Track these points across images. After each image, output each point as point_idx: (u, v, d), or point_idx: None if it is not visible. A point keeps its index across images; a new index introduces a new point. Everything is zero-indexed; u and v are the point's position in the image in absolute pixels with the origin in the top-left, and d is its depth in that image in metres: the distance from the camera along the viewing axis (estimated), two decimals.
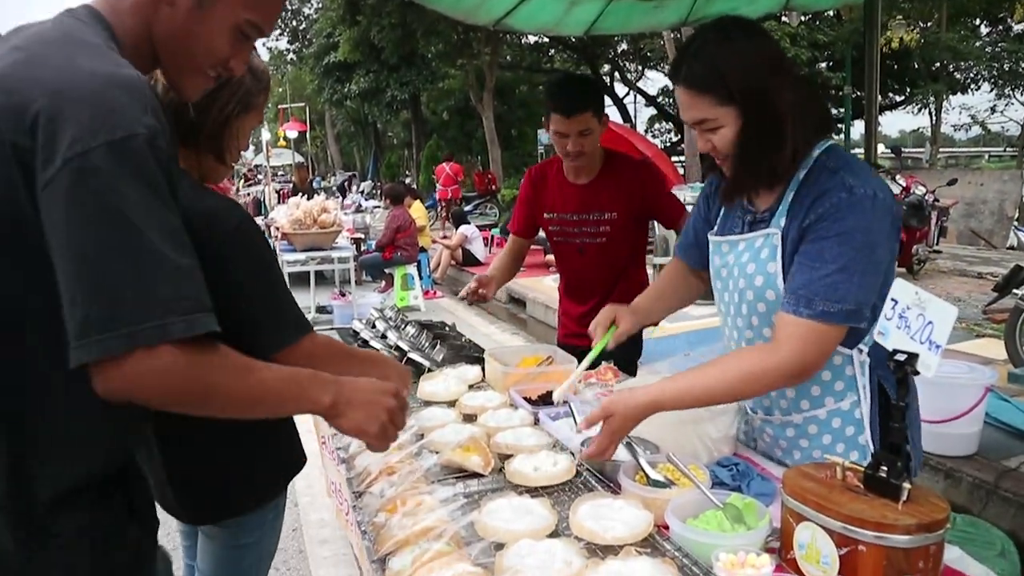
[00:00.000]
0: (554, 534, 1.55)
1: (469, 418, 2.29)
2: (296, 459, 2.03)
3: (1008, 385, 4.50)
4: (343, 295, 9.56)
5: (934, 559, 1.30)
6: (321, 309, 9.28)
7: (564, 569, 1.38)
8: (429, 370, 2.82)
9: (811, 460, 1.85)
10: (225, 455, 1.82)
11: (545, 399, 2.40)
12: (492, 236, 13.80)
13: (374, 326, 3.58)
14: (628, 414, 1.67)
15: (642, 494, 1.63)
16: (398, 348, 3.07)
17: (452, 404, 2.41)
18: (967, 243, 13.49)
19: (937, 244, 10.30)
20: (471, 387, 2.59)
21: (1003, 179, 14.95)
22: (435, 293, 11.16)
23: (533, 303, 9.12)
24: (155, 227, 1.09)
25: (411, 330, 3.34)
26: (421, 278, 10.45)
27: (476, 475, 1.84)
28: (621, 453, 1.84)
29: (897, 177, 10.28)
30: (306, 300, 8.81)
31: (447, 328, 3.60)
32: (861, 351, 1.77)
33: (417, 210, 11.31)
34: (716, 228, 2.02)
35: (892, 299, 1.42)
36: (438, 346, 2.98)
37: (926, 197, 9.84)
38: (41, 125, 1.06)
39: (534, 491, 1.76)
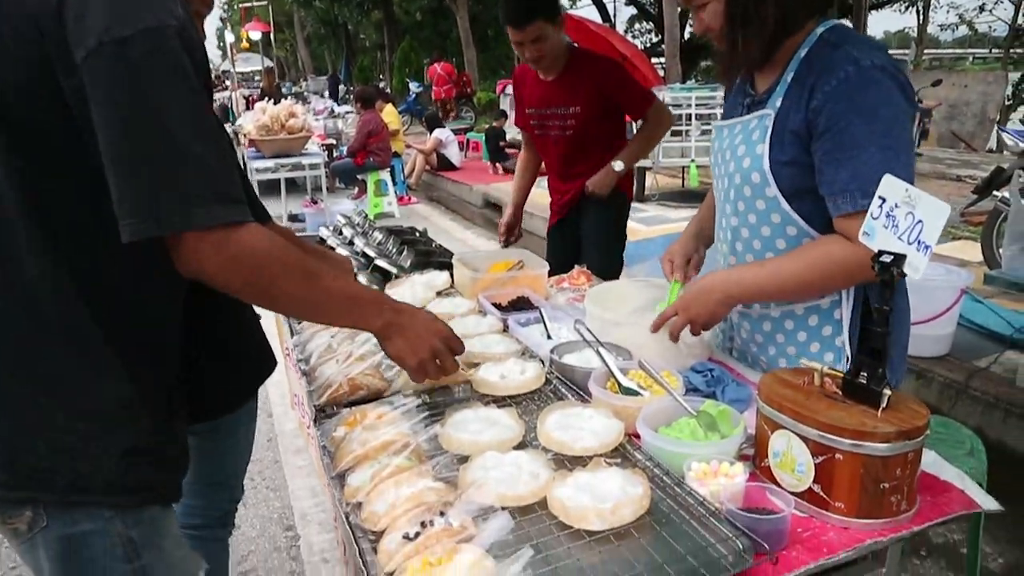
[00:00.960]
0: (521, 445, 1.48)
1: None
2: (267, 362, 1.94)
3: (983, 287, 4.49)
4: (315, 203, 9.33)
5: (911, 466, 1.25)
6: (293, 217, 9.07)
7: (531, 481, 1.32)
8: (396, 276, 2.71)
9: (785, 357, 1.81)
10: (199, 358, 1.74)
11: (516, 305, 2.32)
12: (467, 140, 13.46)
13: (341, 232, 3.45)
14: (705, 309, 1.74)
15: (612, 402, 1.56)
16: (364, 255, 2.95)
17: None
18: (948, 146, 13.38)
19: (918, 147, 10.19)
20: (439, 294, 2.49)
21: (987, 81, 14.74)
22: (410, 199, 10.95)
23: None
24: (188, 122, 1.13)
25: (378, 236, 3.22)
26: (395, 184, 10.21)
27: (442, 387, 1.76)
28: (591, 360, 1.76)
29: None
30: (277, 208, 8.59)
31: (416, 234, 3.48)
32: None
33: (389, 114, 10.94)
34: (721, 114, 1.94)
35: (880, 197, 1.32)
36: (405, 251, 2.86)
37: None
38: (69, 5, 1.06)
39: (501, 401, 1.70)
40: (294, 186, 10.16)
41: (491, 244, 8.32)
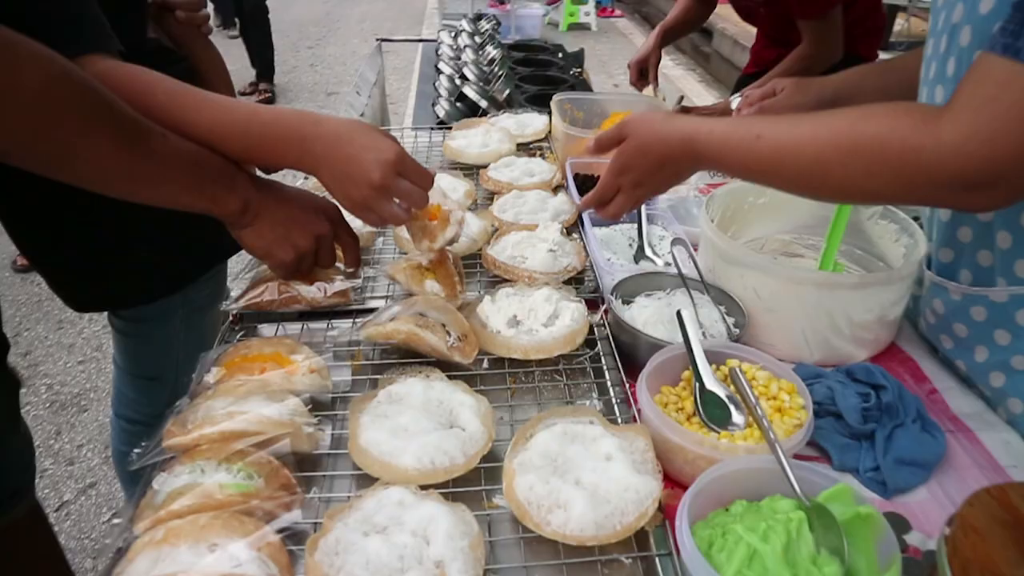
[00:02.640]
0: (465, 482, 0.83)
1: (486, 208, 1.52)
2: (213, 251, 1.45)
3: None
4: (502, 2, 8.43)
5: None
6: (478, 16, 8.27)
7: None
8: (482, 112, 2.00)
9: (1005, 373, 0.97)
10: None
11: None
12: None
13: (457, 38, 2.74)
14: (648, 144, 1.01)
15: (665, 433, 0.85)
16: (462, 76, 2.25)
17: (470, 173, 1.64)
18: None
19: None
20: (522, 147, 1.77)
21: None
22: (612, 11, 9.68)
23: (721, 35, 7.57)
24: None
25: (492, 52, 2.47)
26: None
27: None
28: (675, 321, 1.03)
29: None
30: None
31: (559, 56, 2.67)
32: None
33: None
34: None
35: None
36: (504, 80, 2.11)
37: None
38: None
39: (493, 367, 1.03)
40: None
41: (690, 77, 7.12)
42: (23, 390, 1.18)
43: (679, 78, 7.00)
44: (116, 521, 0.75)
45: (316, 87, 6.39)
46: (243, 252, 1.09)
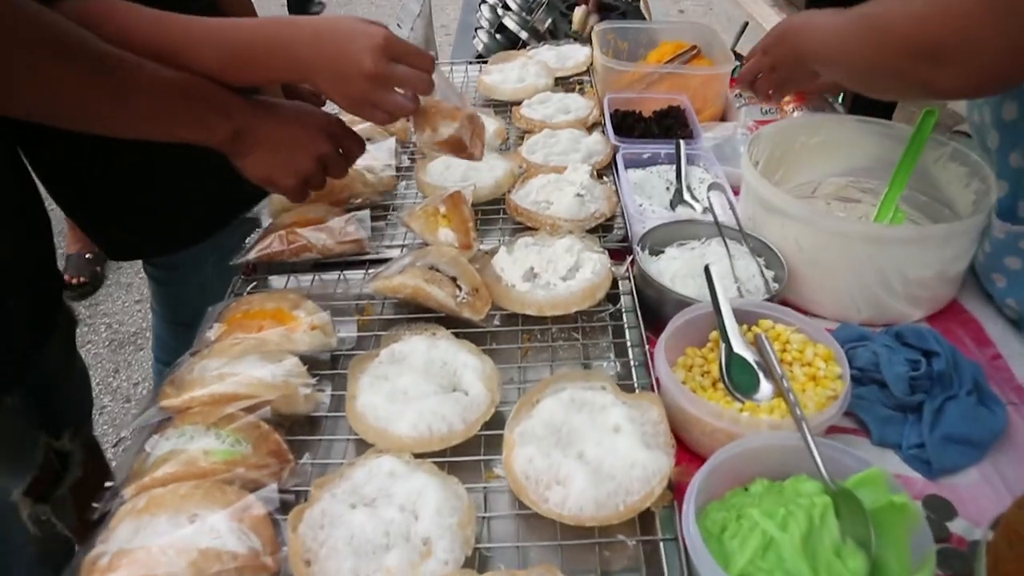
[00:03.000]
0: (464, 450, 0.78)
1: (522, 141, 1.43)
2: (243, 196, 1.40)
3: None
4: None
5: None
6: None
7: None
8: (523, 44, 1.89)
9: None
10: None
11: (662, 120, 1.44)
12: None
13: None
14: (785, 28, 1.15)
15: (679, 402, 0.78)
16: (504, 4, 2.13)
17: (503, 110, 1.54)
18: None
19: None
20: (560, 82, 1.66)
21: None
22: None
23: None
24: None
25: None
26: None
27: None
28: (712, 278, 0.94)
29: None
30: None
31: None
32: None
33: None
34: None
35: None
36: (546, 8, 1.98)
37: None
38: None
39: (505, 323, 0.97)
40: None
41: (764, 14, 6.66)
42: (84, 328, 1.19)
43: (748, 2, 6.59)
44: (108, 484, 0.73)
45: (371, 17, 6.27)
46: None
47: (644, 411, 0.78)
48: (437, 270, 0.96)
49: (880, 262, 0.94)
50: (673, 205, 1.22)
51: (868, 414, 0.84)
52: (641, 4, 2.49)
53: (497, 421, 0.81)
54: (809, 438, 0.70)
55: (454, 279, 0.96)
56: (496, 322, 0.95)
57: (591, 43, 1.71)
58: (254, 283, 1.08)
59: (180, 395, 0.80)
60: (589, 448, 0.74)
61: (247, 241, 1.11)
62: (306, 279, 1.08)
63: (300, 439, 0.81)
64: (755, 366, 0.83)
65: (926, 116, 1.10)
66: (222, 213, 1.40)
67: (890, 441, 0.82)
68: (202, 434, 0.75)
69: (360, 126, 1.33)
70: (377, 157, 1.28)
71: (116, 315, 2.84)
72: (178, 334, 1.55)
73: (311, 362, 0.88)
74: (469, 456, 0.78)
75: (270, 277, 1.09)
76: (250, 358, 0.83)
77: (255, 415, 0.76)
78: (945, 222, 1.11)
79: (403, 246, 1.15)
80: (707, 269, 0.90)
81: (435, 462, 0.76)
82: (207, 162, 0.93)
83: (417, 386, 0.82)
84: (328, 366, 0.91)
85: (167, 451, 0.74)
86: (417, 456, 0.76)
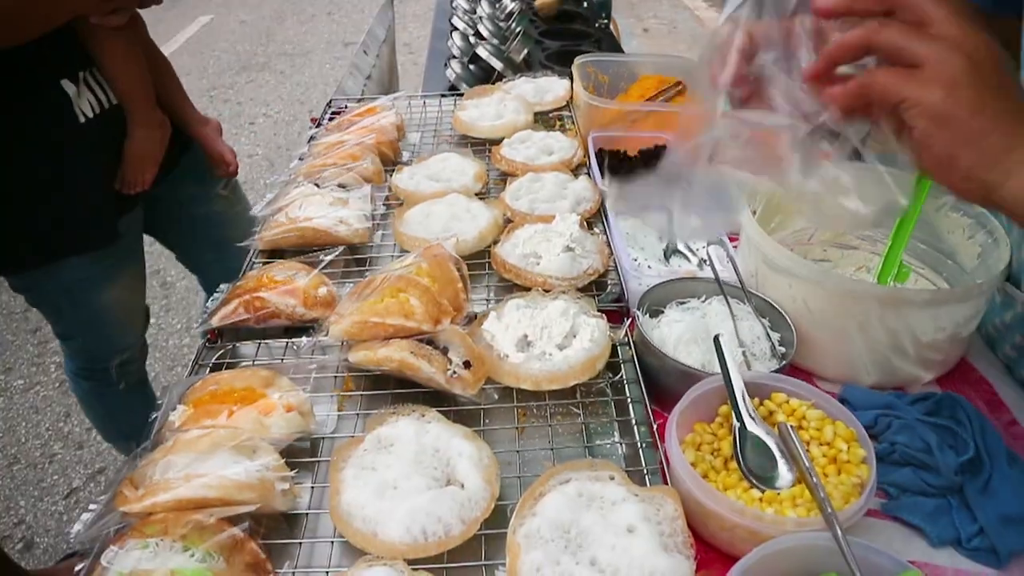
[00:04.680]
0: (460, 552, 0.71)
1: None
2: None
3: None
4: None
5: None
6: None
7: None
8: (497, 79, 1.83)
9: None
10: None
11: (647, 160, 1.39)
12: None
13: None
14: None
15: (701, 503, 0.71)
16: (477, 34, 2.06)
17: (481, 150, 1.48)
18: None
19: None
20: (539, 118, 1.61)
21: None
22: None
23: None
24: None
25: (510, 4, 2.27)
26: None
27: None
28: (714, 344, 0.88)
29: None
30: None
31: (585, 3, 2.46)
32: None
33: None
34: None
35: None
36: (521, 40, 1.92)
37: None
38: None
39: (502, 403, 0.89)
40: None
41: None
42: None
43: (712, 21, 6.65)
44: None
45: (334, 37, 6.17)
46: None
47: (658, 506, 0.72)
48: (426, 339, 0.89)
49: (892, 324, 0.89)
50: (667, 256, 1.16)
51: (915, 513, 0.77)
52: (611, 24, 2.45)
53: (497, 517, 0.74)
54: (842, 540, 0.64)
55: (445, 349, 0.89)
56: (489, 398, 0.88)
57: (571, 76, 1.66)
58: (220, 352, 0.99)
59: (142, 500, 0.71)
60: (602, 553, 0.67)
61: (208, 303, 1.03)
62: (278, 346, 1.00)
63: (279, 543, 0.73)
64: (771, 446, 0.77)
65: None
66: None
67: (948, 537, 0.75)
68: (168, 549, 0.67)
69: (339, 179, 1.26)
70: (351, 205, 1.20)
71: None
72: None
73: (288, 449, 0.80)
74: (469, 561, 0.71)
75: (238, 344, 1.00)
76: (221, 452, 0.75)
77: (230, 531, 0.67)
78: (948, 273, 1.08)
79: None
80: (716, 341, 0.84)
81: (431, 568, 0.68)
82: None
83: (408, 478, 0.75)
84: (308, 453, 0.83)
85: (128, 571, 0.65)
86: (411, 563, 0.69)
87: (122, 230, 1.51)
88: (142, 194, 1.53)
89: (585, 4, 2.55)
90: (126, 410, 1.77)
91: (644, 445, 0.82)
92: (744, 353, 0.92)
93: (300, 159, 1.40)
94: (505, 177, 1.36)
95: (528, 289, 1.03)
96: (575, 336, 0.93)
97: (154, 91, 1.47)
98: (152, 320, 2.07)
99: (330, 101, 1.73)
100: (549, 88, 1.69)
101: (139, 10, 1.43)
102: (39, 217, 1.38)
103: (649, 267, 1.12)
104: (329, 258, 1.07)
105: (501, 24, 2.09)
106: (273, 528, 0.75)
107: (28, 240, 1.41)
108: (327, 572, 0.70)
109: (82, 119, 1.36)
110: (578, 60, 1.65)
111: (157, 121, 1.49)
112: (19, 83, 1.27)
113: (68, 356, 1.71)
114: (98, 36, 1.34)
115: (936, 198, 1.07)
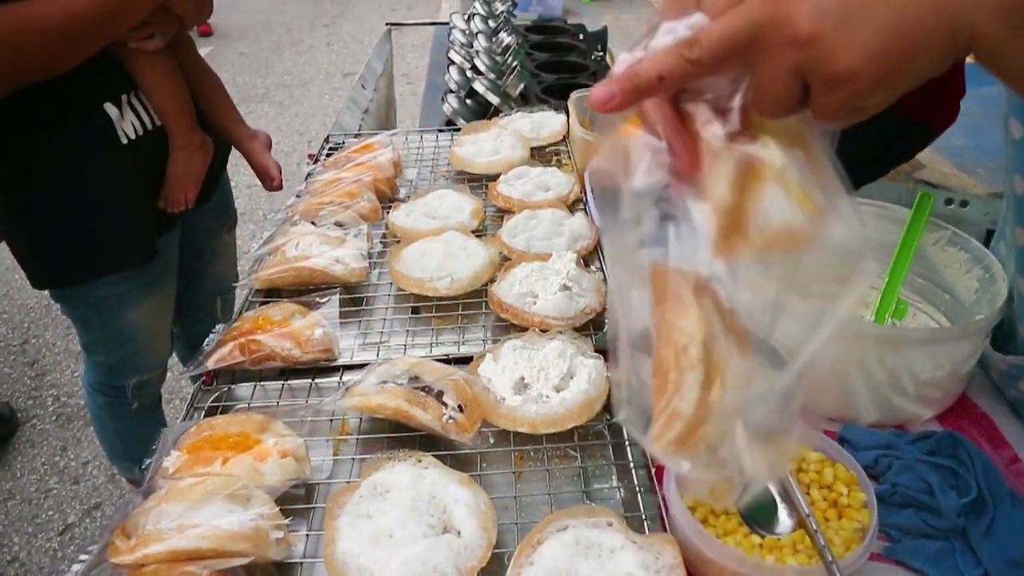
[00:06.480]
0: None
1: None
2: None
3: None
4: None
5: None
6: None
7: None
8: (493, 114, 1.84)
9: None
10: None
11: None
12: None
13: (470, 21, 2.57)
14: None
15: (697, 542, 0.71)
16: (474, 68, 2.08)
17: (479, 186, 1.48)
18: None
19: None
20: (536, 153, 1.61)
21: None
22: None
23: None
24: None
25: (507, 39, 2.29)
26: None
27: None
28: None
29: None
30: None
31: (580, 37, 2.48)
32: None
33: None
34: None
35: None
36: (517, 73, 1.94)
37: None
38: None
39: (498, 442, 0.89)
40: None
41: None
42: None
43: None
44: None
45: (332, 68, 6.23)
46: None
47: (657, 554, 0.71)
48: (421, 385, 0.89)
49: (891, 363, 0.89)
50: None
51: (918, 557, 0.76)
52: (607, 56, 2.47)
53: (494, 565, 0.73)
54: None
55: (440, 393, 0.89)
56: (486, 442, 0.87)
57: (567, 111, 1.67)
58: (216, 394, 0.98)
59: (133, 551, 0.70)
60: None
61: (205, 344, 1.02)
62: (274, 387, 0.99)
63: None
64: (771, 490, 0.76)
65: (922, 199, 1.07)
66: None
67: None
68: None
69: (336, 217, 1.26)
70: (348, 244, 1.21)
71: (64, 386, 2.68)
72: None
73: (283, 495, 0.79)
74: None
75: (234, 387, 0.99)
76: (214, 502, 0.74)
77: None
78: (946, 308, 1.08)
79: (379, 345, 1.07)
80: None
81: None
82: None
83: (403, 526, 0.74)
84: (302, 500, 0.82)
85: None
86: None
87: (160, 248, 1.53)
88: (181, 214, 1.57)
89: (581, 36, 2.58)
90: (135, 431, 1.79)
91: (642, 490, 0.81)
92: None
93: (298, 196, 1.41)
94: (502, 214, 1.36)
95: (525, 329, 1.03)
96: (572, 377, 0.92)
97: (194, 113, 1.49)
98: None
99: (327, 137, 1.74)
100: (545, 123, 1.70)
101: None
102: (81, 236, 1.40)
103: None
104: (324, 300, 1.07)
105: (498, 58, 2.11)
106: None
107: (69, 257, 1.43)
108: None
109: (125, 140, 1.38)
110: (574, 95, 1.65)
111: (198, 143, 1.51)
112: (63, 108, 1.29)
113: (89, 368, 1.73)
114: (137, 60, 1.35)
115: (932, 232, 1.07)
